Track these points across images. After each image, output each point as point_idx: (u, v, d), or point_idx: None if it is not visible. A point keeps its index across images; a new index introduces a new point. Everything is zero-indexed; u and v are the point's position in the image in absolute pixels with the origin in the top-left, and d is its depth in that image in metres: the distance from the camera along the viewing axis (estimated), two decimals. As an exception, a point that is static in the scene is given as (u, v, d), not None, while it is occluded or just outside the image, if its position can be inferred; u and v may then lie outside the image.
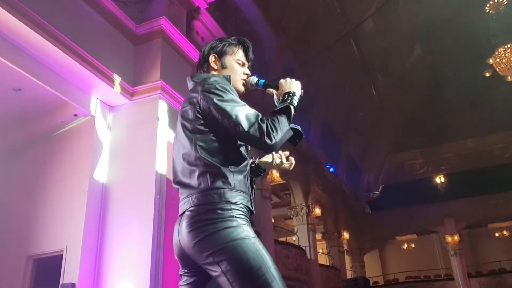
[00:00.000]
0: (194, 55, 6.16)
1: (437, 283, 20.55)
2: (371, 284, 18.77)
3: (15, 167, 5.65)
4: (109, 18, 5.35)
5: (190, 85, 2.03)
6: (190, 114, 1.88)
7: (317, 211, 16.47)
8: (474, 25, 16.42)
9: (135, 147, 5.12)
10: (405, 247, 24.06)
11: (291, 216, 15.98)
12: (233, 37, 2.18)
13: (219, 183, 1.77)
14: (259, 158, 2.17)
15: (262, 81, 2.09)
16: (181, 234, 1.80)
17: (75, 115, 5.21)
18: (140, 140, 5.13)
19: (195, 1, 6.53)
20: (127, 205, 4.86)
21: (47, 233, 4.93)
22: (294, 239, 16.32)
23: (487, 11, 15.33)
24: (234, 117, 1.76)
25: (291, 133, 1.89)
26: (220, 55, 2.09)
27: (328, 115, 18.11)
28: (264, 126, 1.76)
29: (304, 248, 14.57)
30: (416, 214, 21.07)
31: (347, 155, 20.79)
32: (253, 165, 2.10)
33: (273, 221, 14.85)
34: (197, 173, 1.80)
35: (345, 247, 19.72)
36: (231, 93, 1.85)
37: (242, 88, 2.09)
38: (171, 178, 5.13)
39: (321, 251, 18.30)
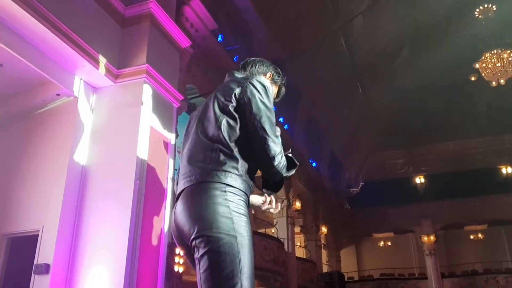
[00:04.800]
0: (182, 40, 6.10)
1: (411, 282, 20.89)
2: (345, 279, 18.98)
3: (-7, 144, 5.54)
4: (98, -2, 5.26)
5: (237, 75, 2.13)
6: (227, 93, 1.92)
7: (298, 204, 16.57)
8: (462, 29, 16.58)
9: (117, 130, 5.06)
10: (381, 245, 24.37)
11: (271, 208, 16.02)
12: (280, 71, 2.30)
13: (228, 166, 1.78)
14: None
15: None
16: (177, 214, 1.80)
17: (58, 94, 5.12)
18: (122, 123, 5.07)
19: (186, -14, 6.45)
20: (106, 189, 4.81)
21: (24, 212, 4.85)
22: (273, 231, 16.40)
23: (477, 16, 15.51)
24: (263, 122, 1.83)
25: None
26: (273, 80, 2.22)
27: (314, 111, 18.17)
28: (280, 148, 1.86)
29: (282, 240, 14.66)
30: (394, 212, 21.36)
31: (330, 151, 20.90)
32: None
33: (253, 212, 14.89)
34: (211, 148, 1.82)
35: (323, 242, 19.89)
36: (271, 102, 1.93)
37: None
38: (152, 164, 5.03)
39: (298, 244, 18.43)
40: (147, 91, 5.20)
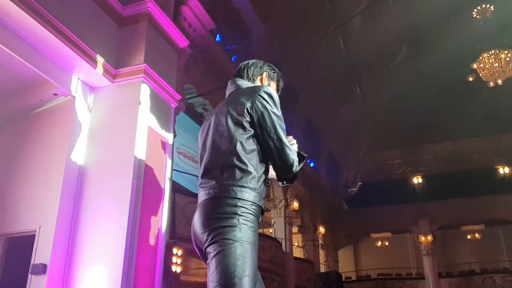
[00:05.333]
0: (180, 40, 6.09)
1: (408, 282, 20.90)
2: (343, 279, 18.98)
3: (-10, 144, 5.52)
4: (95, -2, 5.25)
5: (240, 83, 2.21)
6: (239, 108, 2.01)
7: (295, 204, 16.56)
8: (461, 29, 16.60)
9: (115, 130, 5.05)
10: (379, 245, 24.37)
11: (269, 209, 16.03)
12: (274, 67, 2.40)
13: (244, 181, 1.92)
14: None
15: None
16: (195, 223, 1.97)
17: (55, 94, 5.11)
18: (120, 123, 5.06)
19: (184, -14, 6.44)
20: (103, 189, 4.81)
21: (21, 212, 4.84)
22: (270, 231, 16.40)
23: (475, 16, 15.52)
24: (278, 133, 1.98)
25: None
26: (270, 77, 2.33)
27: (312, 110, 18.17)
28: (295, 153, 2.04)
29: (280, 240, 14.65)
30: (391, 213, 21.36)
31: (328, 151, 20.91)
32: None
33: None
34: (226, 164, 1.95)
35: (320, 242, 19.88)
36: (279, 110, 2.05)
37: None
38: (150, 163, 5.02)
39: (296, 244, 18.42)
40: (145, 91, 5.19)
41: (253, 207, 1.93)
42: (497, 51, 14.53)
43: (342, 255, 22.61)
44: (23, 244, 4.62)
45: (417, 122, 21.90)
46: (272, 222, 15.93)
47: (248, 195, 1.91)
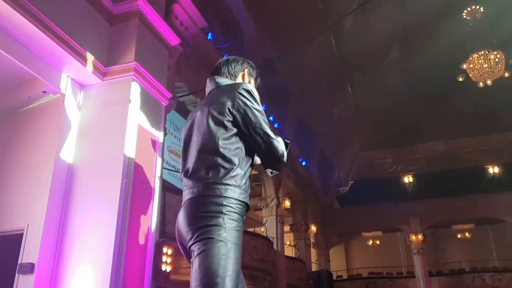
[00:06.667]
0: (171, 38, 6.07)
1: (399, 280, 21.02)
2: (334, 278, 19.05)
3: (-22, 141, 5.46)
4: (85, -5, 5.20)
5: (220, 81, 2.23)
6: (220, 108, 2.03)
7: (287, 203, 16.58)
8: (451, 30, 16.69)
9: (105, 128, 5.02)
10: (370, 243, 24.49)
11: (261, 207, 16.04)
12: (253, 64, 2.43)
13: (228, 179, 1.93)
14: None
15: None
16: (180, 221, 1.98)
17: (44, 91, 5.06)
18: (110, 121, 5.03)
19: (175, -16, 6.41)
20: (93, 187, 4.77)
21: (8, 210, 4.79)
22: (262, 230, 16.40)
23: (464, 17, 15.62)
24: (264, 127, 2.01)
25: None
26: (250, 74, 2.36)
27: (304, 109, 18.19)
28: (282, 143, 2.07)
29: (271, 239, 14.66)
30: (382, 211, 21.46)
31: (320, 150, 20.95)
32: None
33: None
34: (211, 163, 1.95)
35: (312, 240, 19.93)
36: (260, 105, 2.08)
37: None
38: (139, 162, 4.98)
39: (288, 243, 18.45)
40: (135, 89, 5.16)
41: (239, 205, 1.93)
42: (487, 52, 14.65)
43: (333, 254, 22.68)
44: (11, 243, 4.57)
45: (408, 121, 22.02)
46: (264, 221, 15.93)
47: (233, 192, 1.91)
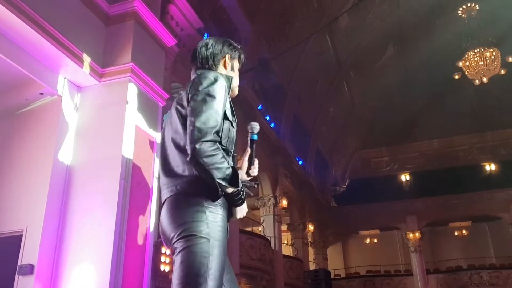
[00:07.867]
0: (168, 39, 6.08)
1: (396, 278, 21.06)
2: (332, 277, 19.08)
3: (-25, 144, 5.46)
4: (81, -4, 5.21)
5: (192, 76, 2.08)
6: (184, 101, 1.92)
7: (284, 202, 16.59)
8: (446, 28, 16.76)
9: (102, 129, 5.03)
10: (367, 242, 24.53)
11: (258, 207, 16.05)
12: (234, 43, 2.22)
13: None
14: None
15: (255, 137, 2.05)
16: (161, 221, 1.91)
17: (41, 93, 5.07)
18: (107, 123, 5.04)
19: (171, -16, 6.43)
20: (91, 188, 4.79)
21: (7, 212, 4.79)
22: (260, 229, 16.42)
23: (460, 15, 15.68)
24: (196, 115, 1.77)
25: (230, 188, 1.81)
26: (232, 57, 2.17)
27: (300, 109, 18.23)
28: (211, 143, 1.74)
29: (269, 238, 14.68)
30: (380, 210, 21.52)
31: (316, 149, 20.99)
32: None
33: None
34: (186, 159, 1.84)
35: (309, 239, 19.96)
36: (216, 98, 1.83)
37: (237, 92, 2.17)
38: (137, 163, 5.01)
39: (285, 242, 18.46)
40: (132, 90, 5.18)
41: (222, 200, 1.84)
42: (482, 50, 14.71)
43: (331, 253, 22.72)
44: (10, 245, 4.58)
45: (403, 119, 22.09)
46: (261, 220, 15.95)
47: (213, 189, 1.79)
